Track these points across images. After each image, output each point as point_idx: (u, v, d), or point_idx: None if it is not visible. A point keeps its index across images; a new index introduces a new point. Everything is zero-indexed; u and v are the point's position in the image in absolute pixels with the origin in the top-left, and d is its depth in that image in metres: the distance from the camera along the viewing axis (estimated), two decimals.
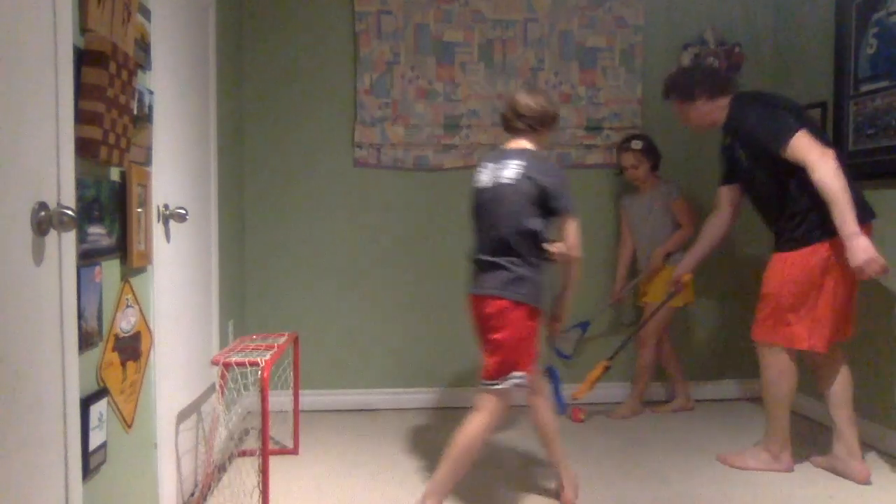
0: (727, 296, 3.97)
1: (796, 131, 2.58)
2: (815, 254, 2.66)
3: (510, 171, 2.35)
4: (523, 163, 2.36)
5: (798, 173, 2.62)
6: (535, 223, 2.32)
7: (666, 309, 3.49)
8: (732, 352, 3.98)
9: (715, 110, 2.87)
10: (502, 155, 2.44)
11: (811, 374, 2.90)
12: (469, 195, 2.50)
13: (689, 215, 3.57)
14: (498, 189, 2.36)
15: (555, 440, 2.55)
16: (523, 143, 2.45)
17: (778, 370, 2.78)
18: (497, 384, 2.32)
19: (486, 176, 2.43)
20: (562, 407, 3.09)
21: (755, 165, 2.76)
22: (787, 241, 2.74)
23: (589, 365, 3.60)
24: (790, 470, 2.84)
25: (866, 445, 2.99)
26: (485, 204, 2.41)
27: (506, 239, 2.31)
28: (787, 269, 2.72)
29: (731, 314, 3.96)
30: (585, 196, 3.62)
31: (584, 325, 3.76)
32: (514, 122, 2.46)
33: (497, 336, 2.32)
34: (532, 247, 2.33)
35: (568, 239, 2.34)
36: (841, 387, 2.79)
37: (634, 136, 3.61)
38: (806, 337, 2.70)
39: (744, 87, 3.88)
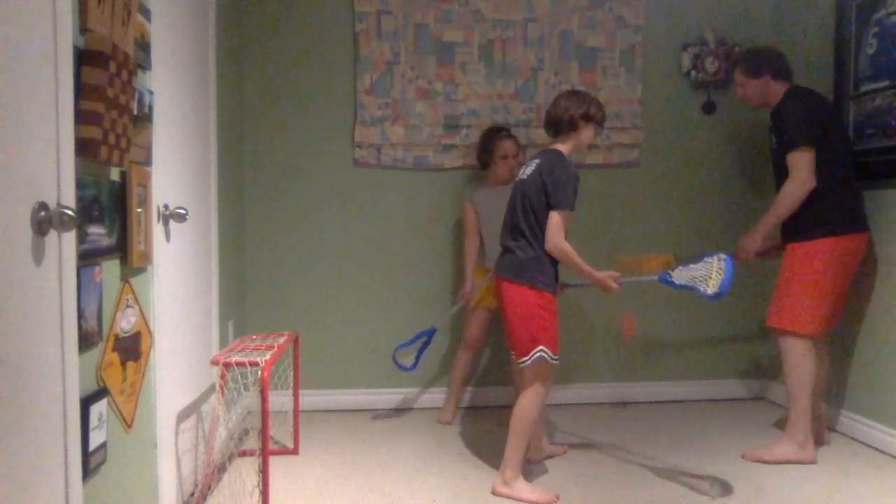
0: (726, 295, 3.96)
1: (804, 144, 2.84)
2: (819, 247, 2.87)
3: None
4: None
5: (819, 172, 2.86)
6: None
7: (486, 311, 3.48)
8: (732, 351, 3.98)
9: (771, 92, 3.05)
10: None
11: None
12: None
13: None
14: None
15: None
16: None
17: (798, 354, 2.91)
18: None
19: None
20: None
21: (780, 154, 2.96)
22: (798, 231, 2.93)
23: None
24: (814, 461, 2.90)
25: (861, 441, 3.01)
26: None
27: None
28: (797, 258, 2.92)
29: (731, 314, 3.96)
30: (588, 196, 3.61)
31: (429, 333, 3.43)
32: None
33: None
34: None
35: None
36: (821, 366, 3.04)
37: (501, 128, 3.54)
38: (808, 322, 2.89)
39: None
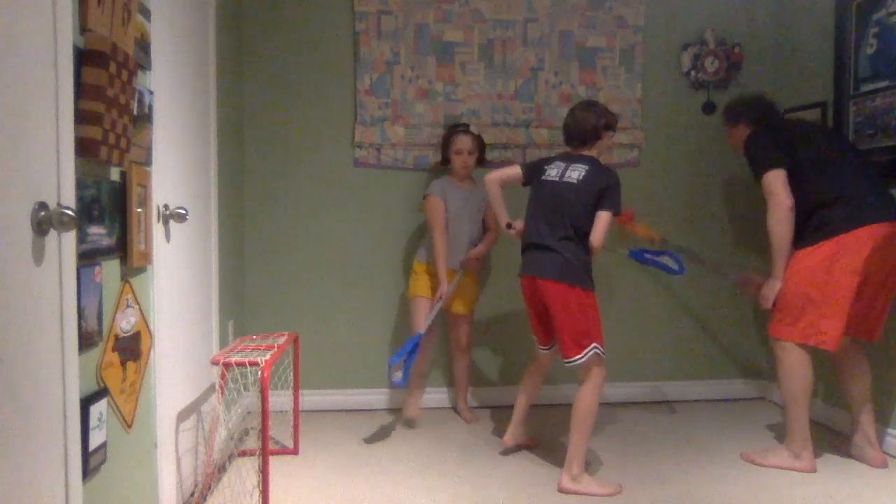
0: (726, 295, 3.97)
1: (769, 168, 2.84)
2: (818, 251, 2.77)
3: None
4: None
5: (797, 180, 2.82)
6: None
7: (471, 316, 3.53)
8: (732, 351, 3.98)
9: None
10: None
11: (830, 368, 2.95)
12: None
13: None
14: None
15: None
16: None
17: (789, 365, 2.83)
18: None
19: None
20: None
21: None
22: (801, 238, 2.86)
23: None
24: (812, 470, 2.82)
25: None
26: None
27: None
28: (795, 266, 2.83)
29: (731, 314, 3.96)
30: None
31: (416, 340, 3.17)
32: None
33: None
34: None
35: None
36: (860, 382, 2.91)
37: (462, 123, 3.53)
38: (813, 333, 2.77)
39: (745, 88, 3.89)
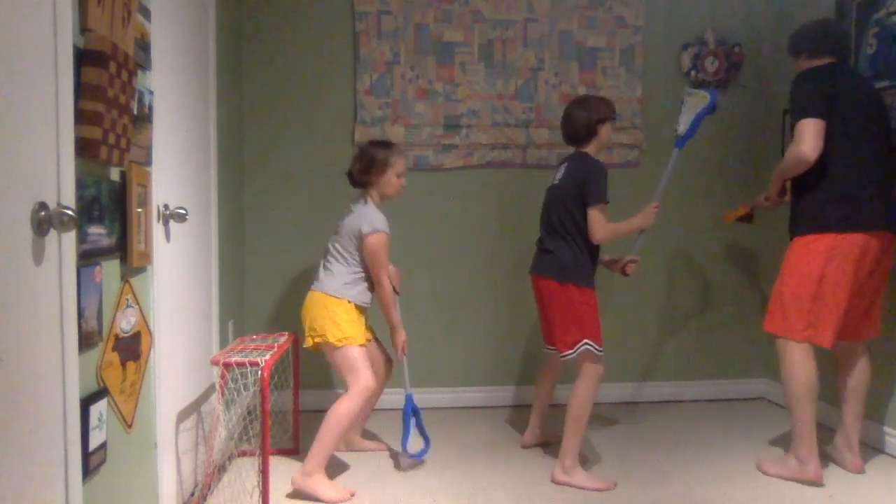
0: (726, 294, 3.97)
1: (806, 116, 2.62)
2: (816, 245, 2.67)
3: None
4: None
5: (823, 157, 2.63)
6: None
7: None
8: (732, 351, 3.98)
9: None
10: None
11: (830, 361, 2.86)
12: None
13: None
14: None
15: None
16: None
17: (791, 364, 2.70)
18: None
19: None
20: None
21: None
22: (797, 224, 2.77)
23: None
24: (818, 478, 2.68)
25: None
26: None
27: None
28: (791, 256, 2.75)
29: (730, 313, 3.96)
30: None
31: (410, 402, 2.95)
32: None
33: None
34: None
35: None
36: (856, 381, 2.81)
37: (387, 140, 3.09)
38: (801, 328, 2.68)
39: (744, 86, 3.89)
